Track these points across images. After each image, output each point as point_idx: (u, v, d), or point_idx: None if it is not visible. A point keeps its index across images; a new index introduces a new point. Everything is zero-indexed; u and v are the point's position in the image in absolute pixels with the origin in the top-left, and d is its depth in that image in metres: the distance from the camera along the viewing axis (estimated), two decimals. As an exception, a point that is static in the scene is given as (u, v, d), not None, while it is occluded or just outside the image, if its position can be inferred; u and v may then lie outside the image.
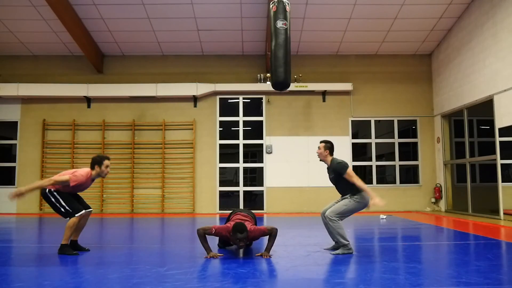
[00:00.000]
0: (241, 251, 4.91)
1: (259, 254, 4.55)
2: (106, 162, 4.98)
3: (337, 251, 4.68)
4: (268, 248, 4.55)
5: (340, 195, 4.89)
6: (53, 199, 4.80)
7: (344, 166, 4.73)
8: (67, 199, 4.83)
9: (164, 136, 11.71)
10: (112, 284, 3.48)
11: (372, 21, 10.61)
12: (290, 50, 6.34)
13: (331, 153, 4.89)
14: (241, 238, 4.33)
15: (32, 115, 11.81)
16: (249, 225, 4.55)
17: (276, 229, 4.59)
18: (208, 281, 3.57)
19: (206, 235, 4.49)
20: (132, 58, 12.09)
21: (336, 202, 4.87)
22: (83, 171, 4.89)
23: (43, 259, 4.68)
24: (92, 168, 4.95)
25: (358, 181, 4.63)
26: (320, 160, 4.92)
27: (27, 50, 11.82)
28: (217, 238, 5.07)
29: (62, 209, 4.80)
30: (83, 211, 4.91)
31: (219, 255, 4.51)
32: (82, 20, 10.57)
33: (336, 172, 4.76)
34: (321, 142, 4.96)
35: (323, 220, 4.89)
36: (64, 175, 4.80)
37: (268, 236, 4.63)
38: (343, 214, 4.72)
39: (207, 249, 4.50)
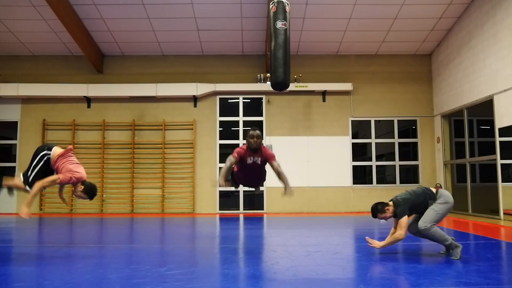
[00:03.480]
0: (241, 251, 4.90)
1: (285, 193, 4.77)
2: (84, 195, 4.94)
3: (455, 257, 4.38)
4: (287, 184, 4.79)
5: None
6: (36, 160, 4.88)
7: (401, 213, 4.47)
8: (39, 172, 4.86)
9: (164, 136, 11.71)
10: (112, 284, 3.48)
11: (372, 21, 10.61)
12: (290, 51, 6.33)
13: (386, 203, 4.62)
14: (254, 134, 4.70)
15: (32, 115, 11.82)
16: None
17: (279, 165, 4.84)
18: (208, 281, 3.57)
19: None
20: (132, 58, 12.09)
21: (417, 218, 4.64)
22: (75, 178, 4.84)
23: (43, 259, 4.68)
24: (82, 183, 4.93)
25: (398, 235, 4.44)
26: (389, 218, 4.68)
27: (27, 50, 11.82)
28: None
29: (29, 172, 4.85)
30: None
31: (228, 184, 4.77)
32: (82, 20, 10.57)
33: (396, 215, 4.57)
34: (374, 215, 4.63)
35: (416, 235, 4.68)
36: (58, 176, 4.78)
37: (279, 178, 4.88)
38: (435, 221, 4.43)
39: (223, 173, 4.73)
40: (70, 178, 4.77)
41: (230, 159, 4.79)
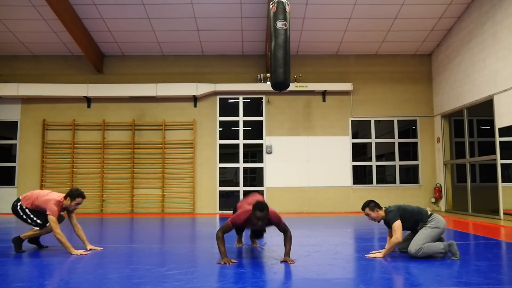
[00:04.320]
0: (241, 251, 4.90)
1: (283, 259, 4.32)
2: (78, 199, 4.98)
3: (455, 257, 4.40)
4: (288, 252, 4.35)
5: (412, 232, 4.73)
6: (24, 216, 5.02)
7: (392, 218, 4.51)
8: (36, 213, 5.01)
9: (164, 136, 11.71)
10: (112, 284, 3.48)
11: (372, 21, 10.61)
12: (290, 51, 6.34)
13: (380, 206, 4.68)
14: (260, 216, 4.08)
15: (32, 115, 11.82)
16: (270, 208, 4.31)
17: (290, 232, 4.40)
18: (208, 281, 3.57)
19: (225, 234, 4.31)
20: (132, 58, 12.10)
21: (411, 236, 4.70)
22: (56, 201, 4.91)
23: (43, 259, 4.68)
24: (65, 197, 4.99)
25: (394, 239, 4.44)
26: (379, 221, 4.72)
27: (27, 50, 11.82)
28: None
29: (34, 223, 5.02)
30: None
31: (233, 262, 4.26)
32: (82, 20, 10.58)
33: (387, 222, 4.60)
34: (363, 208, 4.70)
35: (403, 251, 4.71)
36: (50, 216, 4.85)
37: (283, 239, 4.40)
38: (424, 242, 4.43)
39: (223, 253, 4.25)
40: (55, 205, 4.88)
41: (225, 228, 4.30)
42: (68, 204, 4.96)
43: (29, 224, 5.05)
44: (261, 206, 4.13)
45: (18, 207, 5.03)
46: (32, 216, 4.99)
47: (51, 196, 4.98)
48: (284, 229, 4.39)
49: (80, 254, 4.78)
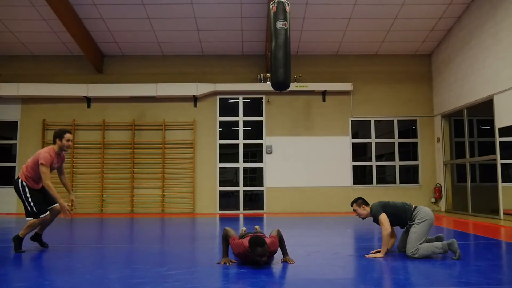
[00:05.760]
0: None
1: (283, 259, 4.30)
2: (67, 135, 5.07)
3: (455, 257, 4.36)
4: (286, 252, 4.33)
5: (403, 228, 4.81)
6: (23, 195, 4.95)
7: (376, 212, 4.61)
8: (35, 198, 4.96)
9: (164, 136, 11.71)
10: (112, 284, 3.48)
11: (372, 21, 10.62)
12: (290, 51, 6.34)
13: (367, 203, 4.81)
14: (261, 252, 3.87)
15: (32, 115, 11.82)
16: (265, 238, 4.11)
17: (279, 230, 4.34)
18: (208, 281, 3.57)
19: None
20: (132, 58, 12.10)
21: (405, 234, 4.76)
22: (46, 150, 4.99)
23: (43, 259, 4.68)
24: (54, 142, 5.07)
25: (384, 231, 4.50)
26: (364, 218, 4.83)
27: (27, 50, 11.82)
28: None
29: (29, 208, 4.95)
30: (47, 213, 5.02)
31: (233, 262, 4.24)
32: (82, 20, 10.58)
33: (374, 218, 4.69)
34: (351, 204, 4.85)
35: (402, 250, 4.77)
36: (43, 165, 4.85)
37: (280, 245, 4.33)
38: (419, 242, 4.47)
39: (224, 253, 4.24)
40: (47, 153, 4.91)
41: (228, 237, 4.19)
42: (60, 144, 5.03)
43: (25, 207, 4.98)
44: (259, 241, 3.88)
45: (19, 184, 4.97)
46: (30, 200, 4.94)
47: (41, 150, 5.02)
48: (279, 237, 4.30)
49: (67, 213, 4.87)
